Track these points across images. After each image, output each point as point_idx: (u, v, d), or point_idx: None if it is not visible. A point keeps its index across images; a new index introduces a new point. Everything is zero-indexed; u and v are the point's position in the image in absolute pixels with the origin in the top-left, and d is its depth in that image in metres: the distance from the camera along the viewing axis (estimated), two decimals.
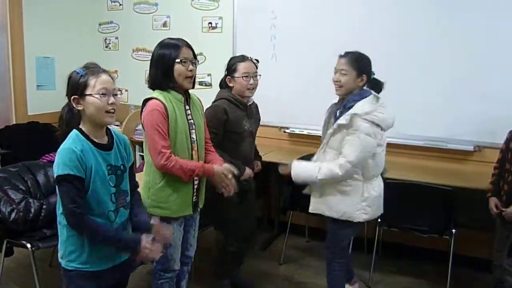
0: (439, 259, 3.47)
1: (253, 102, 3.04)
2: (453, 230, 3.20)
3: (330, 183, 2.63)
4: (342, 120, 2.51)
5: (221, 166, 2.46)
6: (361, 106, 2.52)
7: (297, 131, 4.14)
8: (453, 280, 3.28)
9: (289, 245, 3.98)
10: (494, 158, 2.96)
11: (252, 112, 3.01)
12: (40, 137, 4.28)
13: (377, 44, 3.45)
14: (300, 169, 2.68)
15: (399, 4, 3.69)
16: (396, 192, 3.04)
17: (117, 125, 4.47)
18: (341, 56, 2.64)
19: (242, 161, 2.89)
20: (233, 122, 2.85)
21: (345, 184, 2.61)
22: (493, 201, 2.84)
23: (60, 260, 1.89)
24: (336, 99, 2.74)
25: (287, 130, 4.19)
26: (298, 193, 3.53)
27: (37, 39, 4.65)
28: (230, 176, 2.45)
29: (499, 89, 3.35)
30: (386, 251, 3.82)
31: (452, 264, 3.27)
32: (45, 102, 4.64)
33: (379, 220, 3.22)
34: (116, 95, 1.86)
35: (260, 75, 2.93)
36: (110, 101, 1.81)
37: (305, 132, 4.07)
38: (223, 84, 2.97)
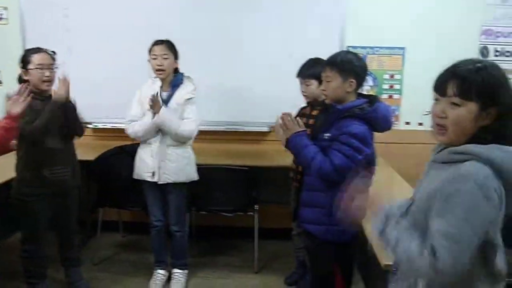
0: (248, 235, 3.70)
1: None
2: (256, 207, 3.48)
3: None
4: None
5: None
6: None
7: (100, 126, 4.01)
8: (260, 252, 3.58)
9: (105, 243, 3.89)
10: None
11: None
12: None
13: (174, 30, 3.51)
14: None
15: None
16: (202, 177, 3.18)
17: None
18: None
19: (47, 154, 2.73)
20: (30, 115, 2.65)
21: None
22: None
23: None
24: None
25: (89, 126, 4.03)
26: (106, 189, 3.49)
27: None
28: None
29: (285, 72, 3.65)
30: (200, 234, 3.98)
31: (258, 238, 3.55)
32: None
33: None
34: None
35: (57, 67, 2.78)
36: None
37: (109, 126, 3.97)
38: (21, 79, 2.75)
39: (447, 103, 1.33)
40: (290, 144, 2.39)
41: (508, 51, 3.84)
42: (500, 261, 1.38)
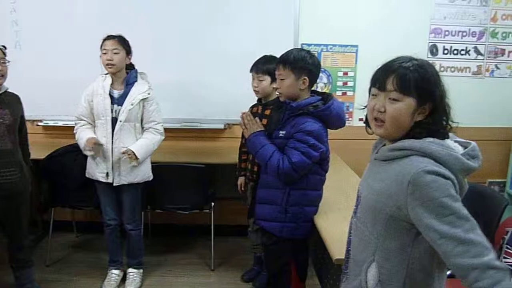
0: (205, 232, 3.70)
1: (7, 91, 2.74)
2: (212, 204, 3.48)
3: None
4: None
5: None
6: None
7: (51, 123, 3.90)
8: (217, 249, 3.58)
9: (58, 244, 3.79)
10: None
11: (5, 101, 2.70)
12: None
13: (129, 26, 3.40)
14: None
15: None
16: (158, 175, 3.15)
17: None
18: None
19: None
20: None
21: None
22: (240, 180, 3.16)
23: None
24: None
25: (40, 123, 3.92)
26: (58, 188, 3.40)
27: None
28: None
29: (241, 69, 3.63)
30: (156, 232, 3.95)
31: (215, 235, 3.54)
32: None
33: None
34: None
35: (9, 61, 2.67)
36: None
37: (59, 123, 3.86)
38: None
39: (386, 98, 1.38)
40: (248, 143, 2.44)
41: (455, 49, 3.97)
42: None
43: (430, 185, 1.25)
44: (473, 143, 1.40)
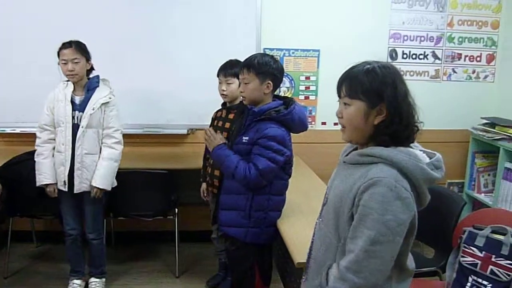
0: (170, 239, 3.62)
1: None
2: (176, 210, 3.44)
3: None
4: None
5: None
6: None
7: (8, 130, 3.78)
8: (182, 255, 3.55)
9: (17, 255, 3.68)
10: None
11: None
12: None
13: (94, 32, 3.37)
14: None
15: None
16: (120, 181, 3.09)
17: None
18: None
19: None
20: None
21: None
22: (203, 187, 3.12)
23: None
24: None
25: None
26: (16, 197, 3.30)
27: None
28: None
29: (203, 74, 3.49)
30: (120, 240, 3.89)
31: (180, 241, 3.52)
32: None
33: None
34: None
35: None
36: None
37: (18, 130, 3.75)
38: None
39: (342, 104, 1.44)
40: (213, 157, 2.49)
41: (414, 54, 4.07)
42: (410, 260, 1.48)
43: (376, 197, 1.30)
44: (438, 154, 1.45)
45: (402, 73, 1.43)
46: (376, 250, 1.30)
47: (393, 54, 4.04)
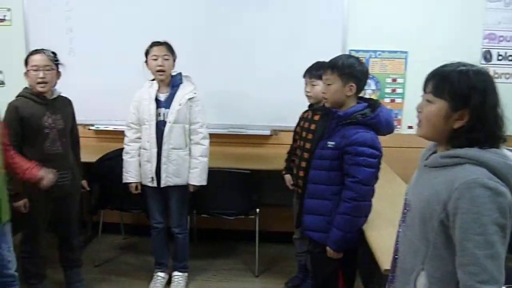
0: (250, 238, 3.66)
1: (59, 96, 2.86)
2: (257, 210, 3.47)
3: None
4: None
5: None
6: None
7: (102, 128, 4.01)
8: (261, 255, 3.57)
9: (106, 245, 3.89)
10: (288, 141, 3.25)
11: (57, 106, 2.83)
12: None
13: (173, 33, 3.44)
14: None
15: None
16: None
17: None
18: None
19: (45, 160, 2.69)
20: (28, 119, 2.67)
21: None
22: (287, 178, 3.15)
23: None
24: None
25: (91, 127, 4.04)
26: (108, 191, 3.48)
27: None
28: None
29: (287, 76, 3.59)
30: (201, 237, 3.98)
31: (259, 241, 3.53)
32: None
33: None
34: None
35: (53, 69, 2.76)
36: None
37: (110, 128, 3.97)
38: None
39: (424, 99, 1.40)
40: (337, 245, 2.34)
41: (511, 55, 3.83)
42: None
43: (475, 200, 1.23)
44: None
45: (496, 75, 1.36)
46: (494, 252, 1.22)
47: (487, 55, 3.82)
